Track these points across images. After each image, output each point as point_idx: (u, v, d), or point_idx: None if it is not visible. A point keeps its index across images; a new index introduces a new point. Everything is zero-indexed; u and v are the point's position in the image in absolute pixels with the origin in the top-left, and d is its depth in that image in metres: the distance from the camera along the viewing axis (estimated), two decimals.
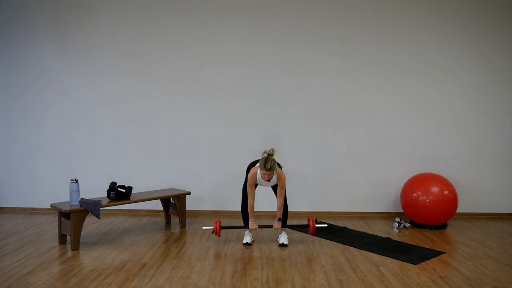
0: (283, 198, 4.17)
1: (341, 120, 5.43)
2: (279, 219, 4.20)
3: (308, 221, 4.34)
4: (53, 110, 5.64)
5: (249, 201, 4.14)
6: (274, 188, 4.28)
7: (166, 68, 5.50)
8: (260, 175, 4.03)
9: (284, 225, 4.31)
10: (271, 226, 4.29)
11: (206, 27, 5.44)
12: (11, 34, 5.64)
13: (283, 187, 4.13)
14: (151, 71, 5.51)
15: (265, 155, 3.95)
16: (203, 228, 4.44)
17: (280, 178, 4.09)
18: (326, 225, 4.50)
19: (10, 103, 5.69)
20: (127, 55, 5.52)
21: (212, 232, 4.31)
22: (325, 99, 5.44)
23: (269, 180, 4.00)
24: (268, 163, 3.87)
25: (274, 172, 3.98)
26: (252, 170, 4.09)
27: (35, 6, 5.57)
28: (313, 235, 4.45)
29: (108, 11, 5.51)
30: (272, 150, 3.97)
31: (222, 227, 4.28)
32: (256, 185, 4.20)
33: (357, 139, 5.47)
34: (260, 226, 4.31)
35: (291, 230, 4.73)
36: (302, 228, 4.62)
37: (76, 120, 5.62)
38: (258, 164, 4.05)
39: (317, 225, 4.35)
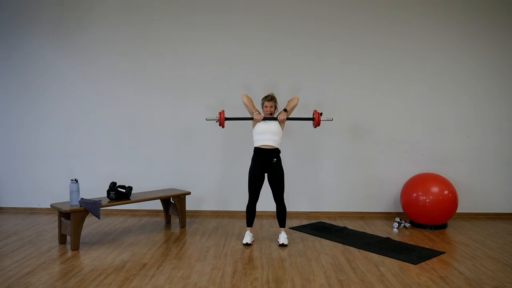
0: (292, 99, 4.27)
1: (341, 120, 5.43)
2: (285, 110, 4.20)
3: (313, 114, 4.25)
4: (53, 110, 5.64)
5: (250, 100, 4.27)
6: (273, 181, 4.22)
7: (166, 68, 5.50)
8: (263, 115, 4.24)
9: (283, 226, 4.28)
10: (276, 118, 4.20)
11: (206, 27, 5.44)
12: (11, 34, 5.64)
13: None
14: (151, 71, 5.52)
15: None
16: (206, 119, 4.46)
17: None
18: (331, 119, 4.40)
19: (10, 103, 5.69)
20: (127, 55, 5.52)
21: (216, 122, 4.31)
22: (325, 99, 5.44)
23: (271, 114, 4.20)
24: (269, 96, 4.25)
25: (276, 106, 4.24)
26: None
27: (35, 6, 5.58)
28: (312, 234, 4.43)
29: (108, 11, 5.52)
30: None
31: (226, 118, 4.25)
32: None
33: (357, 139, 5.47)
34: (265, 118, 4.18)
35: (291, 230, 4.73)
36: (307, 121, 4.49)
37: (76, 120, 5.62)
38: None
39: (322, 119, 4.25)
